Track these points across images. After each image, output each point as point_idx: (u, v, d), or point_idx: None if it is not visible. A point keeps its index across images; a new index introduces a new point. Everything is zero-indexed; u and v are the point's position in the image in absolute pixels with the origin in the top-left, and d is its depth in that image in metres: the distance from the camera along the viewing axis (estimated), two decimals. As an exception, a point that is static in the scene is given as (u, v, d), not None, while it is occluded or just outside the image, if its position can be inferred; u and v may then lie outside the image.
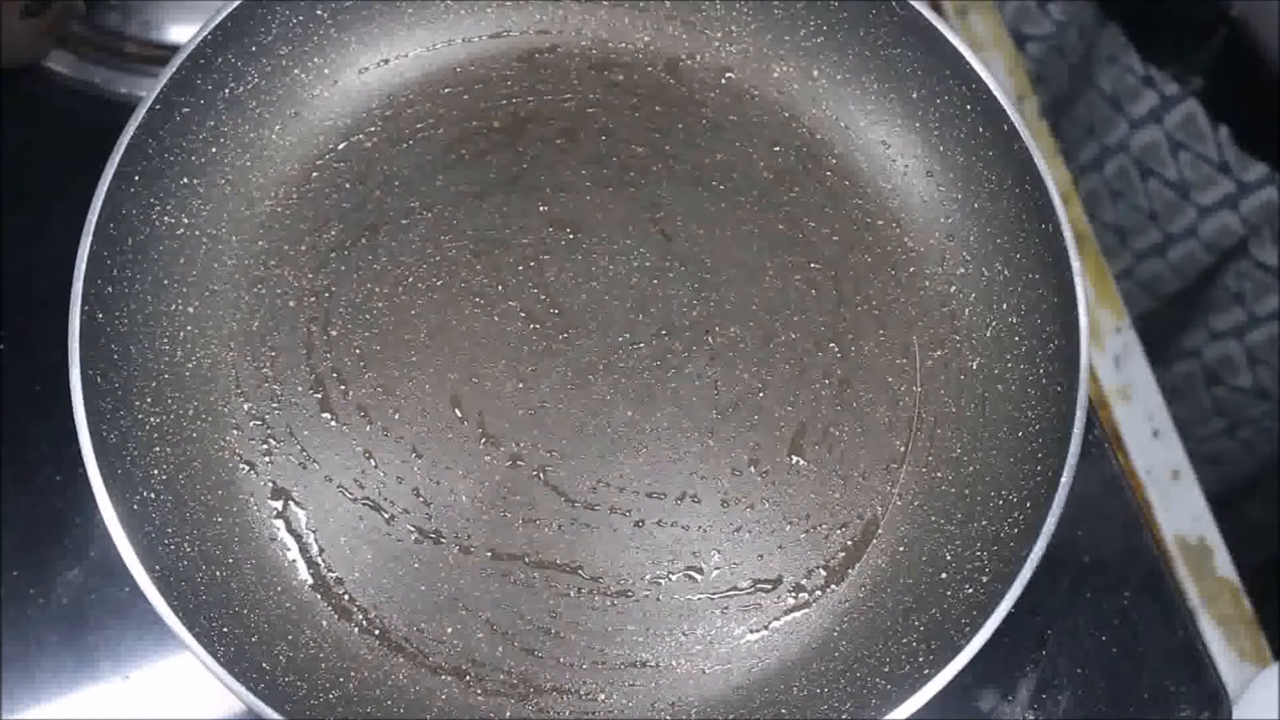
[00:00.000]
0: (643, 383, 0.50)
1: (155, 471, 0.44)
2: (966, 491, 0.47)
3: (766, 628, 0.46)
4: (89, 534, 0.50)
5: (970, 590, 0.44)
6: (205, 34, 0.47)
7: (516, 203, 0.52)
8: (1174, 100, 0.75)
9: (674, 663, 0.46)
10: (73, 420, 0.42)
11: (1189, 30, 0.74)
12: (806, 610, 0.47)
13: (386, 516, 0.47)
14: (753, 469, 0.49)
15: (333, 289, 0.50)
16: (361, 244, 0.51)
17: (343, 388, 0.49)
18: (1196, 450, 0.61)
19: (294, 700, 0.41)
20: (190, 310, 0.49)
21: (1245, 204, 0.74)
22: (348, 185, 0.52)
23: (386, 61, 0.53)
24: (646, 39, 0.54)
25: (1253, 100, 0.72)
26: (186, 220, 0.49)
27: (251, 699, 0.39)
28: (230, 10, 0.47)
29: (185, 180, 0.49)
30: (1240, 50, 0.71)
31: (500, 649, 0.46)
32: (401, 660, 0.45)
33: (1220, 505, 0.59)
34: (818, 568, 0.47)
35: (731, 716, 0.44)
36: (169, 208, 0.48)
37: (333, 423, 0.48)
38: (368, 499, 0.47)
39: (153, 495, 0.44)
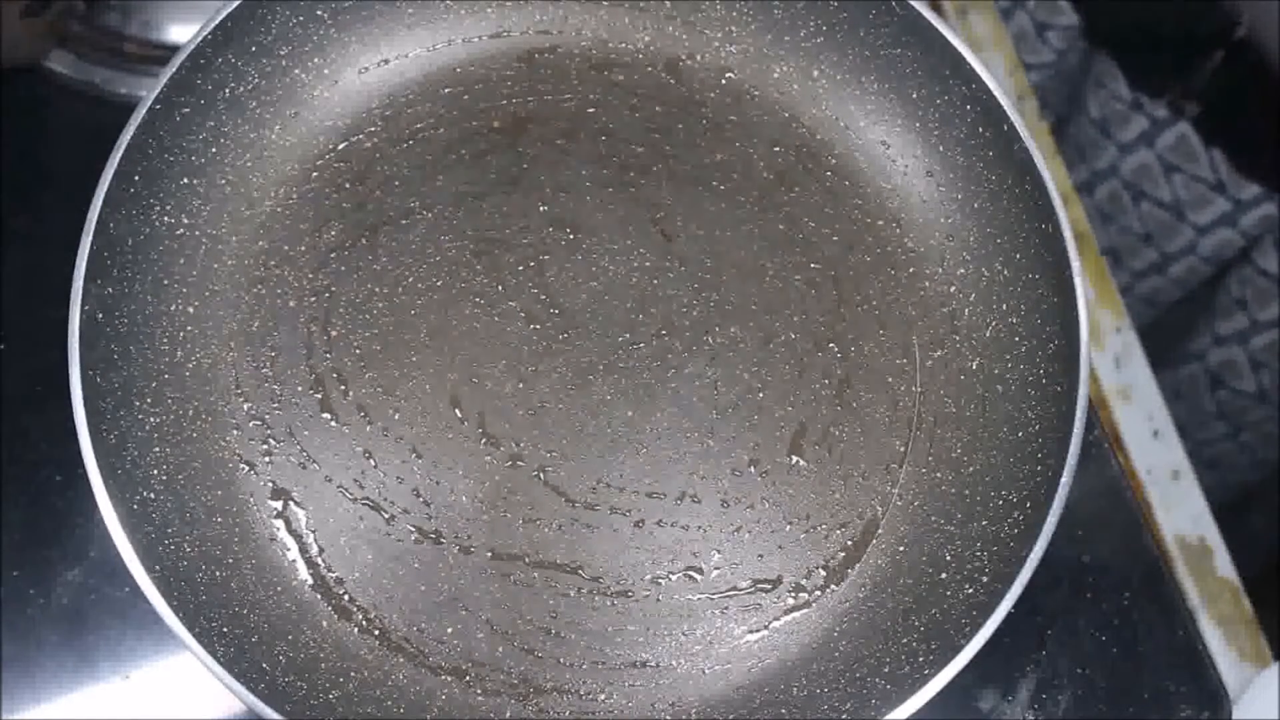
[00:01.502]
0: (643, 383, 0.50)
1: (155, 471, 0.44)
2: (966, 491, 0.47)
3: (766, 628, 0.46)
4: (89, 534, 0.50)
5: (970, 590, 0.44)
6: (205, 34, 0.47)
7: (516, 203, 0.52)
8: (1164, 124, 0.75)
9: (674, 663, 0.46)
10: (73, 420, 0.42)
11: (1183, 56, 0.74)
12: (806, 610, 0.47)
13: (386, 516, 0.47)
14: (753, 469, 0.49)
15: (333, 289, 0.50)
16: (361, 244, 0.51)
17: (343, 388, 0.49)
18: (1198, 454, 0.61)
19: (294, 700, 0.41)
20: (190, 310, 0.49)
21: (1244, 220, 0.74)
22: (348, 185, 0.52)
23: (386, 61, 0.53)
24: (646, 39, 0.54)
25: (1251, 123, 0.72)
26: (186, 220, 0.49)
27: (251, 699, 0.39)
28: (230, 10, 0.48)
29: (185, 180, 0.49)
30: (1238, 73, 0.71)
31: (500, 649, 0.46)
32: (401, 660, 0.45)
33: (1222, 507, 0.59)
34: (818, 568, 0.47)
35: (731, 716, 0.44)
36: (169, 208, 0.48)
37: (333, 423, 0.48)
38: (368, 499, 0.47)
39: (153, 495, 0.44)
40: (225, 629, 0.42)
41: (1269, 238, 0.75)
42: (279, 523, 0.47)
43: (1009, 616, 0.41)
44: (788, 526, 0.48)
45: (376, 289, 0.50)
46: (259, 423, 0.48)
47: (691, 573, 0.47)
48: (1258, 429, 0.82)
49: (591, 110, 0.53)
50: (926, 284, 0.51)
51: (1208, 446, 0.84)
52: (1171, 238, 0.79)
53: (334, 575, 0.46)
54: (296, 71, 0.51)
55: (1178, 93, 0.74)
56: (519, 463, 0.48)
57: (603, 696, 0.45)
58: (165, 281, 0.48)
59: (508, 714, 0.44)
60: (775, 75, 0.54)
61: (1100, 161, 0.81)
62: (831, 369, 0.50)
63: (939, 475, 0.48)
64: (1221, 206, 0.75)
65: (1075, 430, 0.43)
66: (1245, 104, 0.73)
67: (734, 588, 0.47)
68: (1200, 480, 0.58)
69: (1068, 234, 0.46)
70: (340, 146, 0.52)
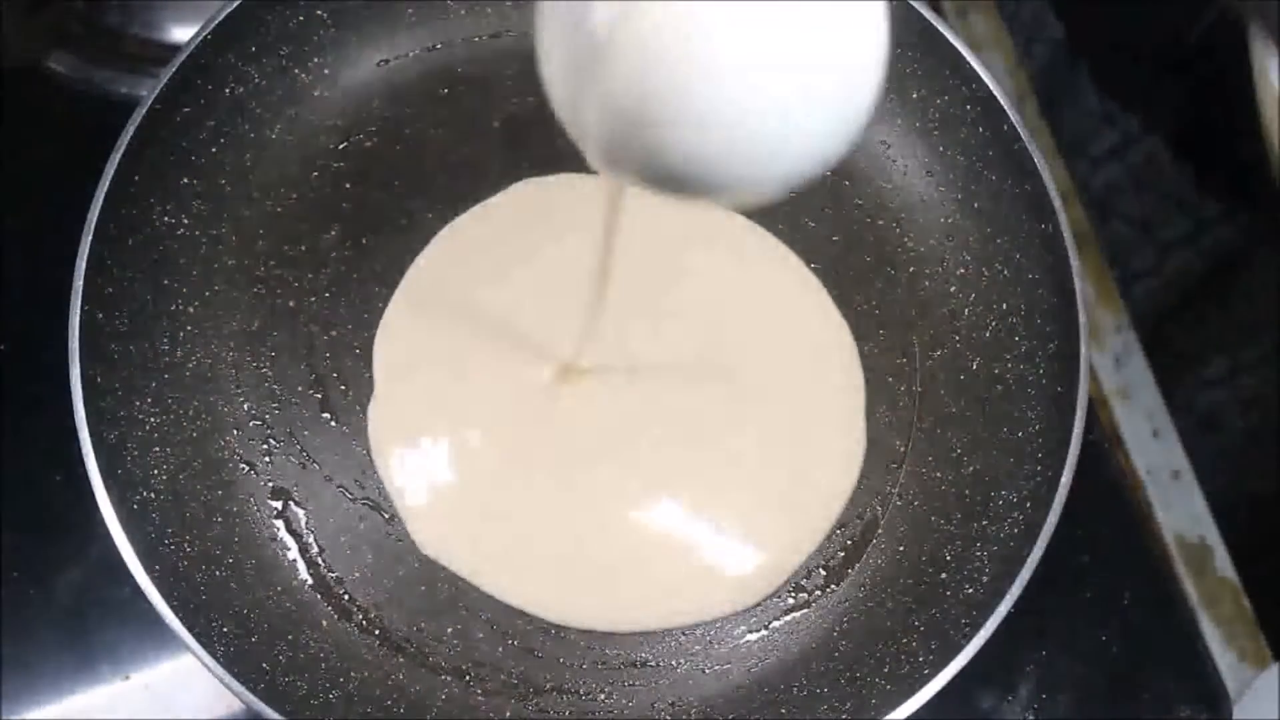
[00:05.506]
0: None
1: (155, 471, 0.44)
2: (966, 491, 0.47)
3: (766, 628, 0.46)
4: (89, 534, 0.50)
5: (970, 590, 0.44)
6: (205, 34, 0.47)
7: (516, 203, 0.52)
8: (1134, 139, 0.75)
9: (674, 663, 0.46)
10: (73, 420, 0.42)
11: (1159, 69, 0.74)
12: (806, 610, 0.47)
13: (386, 516, 0.47)
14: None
15: (333, 289, 0.50)
16: (362, 244, 0.51)
17: (343, 388, 0.49)
18: (1199, 449, 0.61)
19: (294, 700, 0.41)
20: (190, 310, 0.48)
21: (1204, 239, 0.74)
22: (348, 185, 0.52)
23: (386, 61, 0.53)
24: (646, 39, 0.54)
25: (1221, 141, 0.72)
26: (186, 220, 0.49)
27: (251, 699, 0.39)
28: (230, 10, 0.47)
29: (185, 180, 0.49)
30: (1212, 89, 0.70)
31: (500, 649, 0.46)
32: (401, 660, 0.45)
33: (1221, 505, 0.59)
34: (818, 568, 0.47)
35: (731, 716, 0.44)
36: (169, 208, 0.48)
37: (333, 423, 0.48)
38: (368, 499, 0.47)
39: (153, 495, 0.44)
40: (225, 629, 0.42)
41: (1239, 285, 0.74)
42: (279, 523, 0.47)
43: (1009, 616, 0.41)
44: (788, 526, 0.48)
45: (376, 289, 0.50)
46: (259, 423, 0.48)
47: (691, 573, 0.47)
48: (1254, 432, 0.81)
49: (591, 110, 0.53)
50: (926, 284, 0.51)
51: (1208, 446, 0.84)
52: (1136, 255, 0.78)
53: (334, 575, 0.46)
54: (296, 71, 0.51)
55: (1150, 107, 0.73)
56: (519, 463, 0.48)
57: (603, 696, 0.45)
58: (165, 281, 0.48)
59: (508, 714, 0.44)
60: (775, 75, 0.54)
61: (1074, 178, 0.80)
62: (831, 369, 0.50)
63: (939, 475, 0.48)
64: (1185, 226, 0.75)
65: (1075, 430, 0.43)
66: (1216, 121, 0.72)
67: (734, 588, 0.47)
68: (1200, 480, 0.58)
69: (1067, 234, 0.46)
70: (340, 146, 0.52)
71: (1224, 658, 0.53)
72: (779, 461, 0.48)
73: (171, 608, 0.40)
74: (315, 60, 0.52)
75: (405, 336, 0.49)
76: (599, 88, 0.28)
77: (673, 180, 0.29)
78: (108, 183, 0.44)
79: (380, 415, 0.48)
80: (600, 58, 0.27)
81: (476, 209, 0.51)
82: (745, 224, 0.51)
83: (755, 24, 0.26)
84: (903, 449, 0.49)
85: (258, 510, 0.47)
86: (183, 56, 0.47)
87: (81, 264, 0.43)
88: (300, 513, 0.47)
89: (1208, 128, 0.72)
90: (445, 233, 0.51)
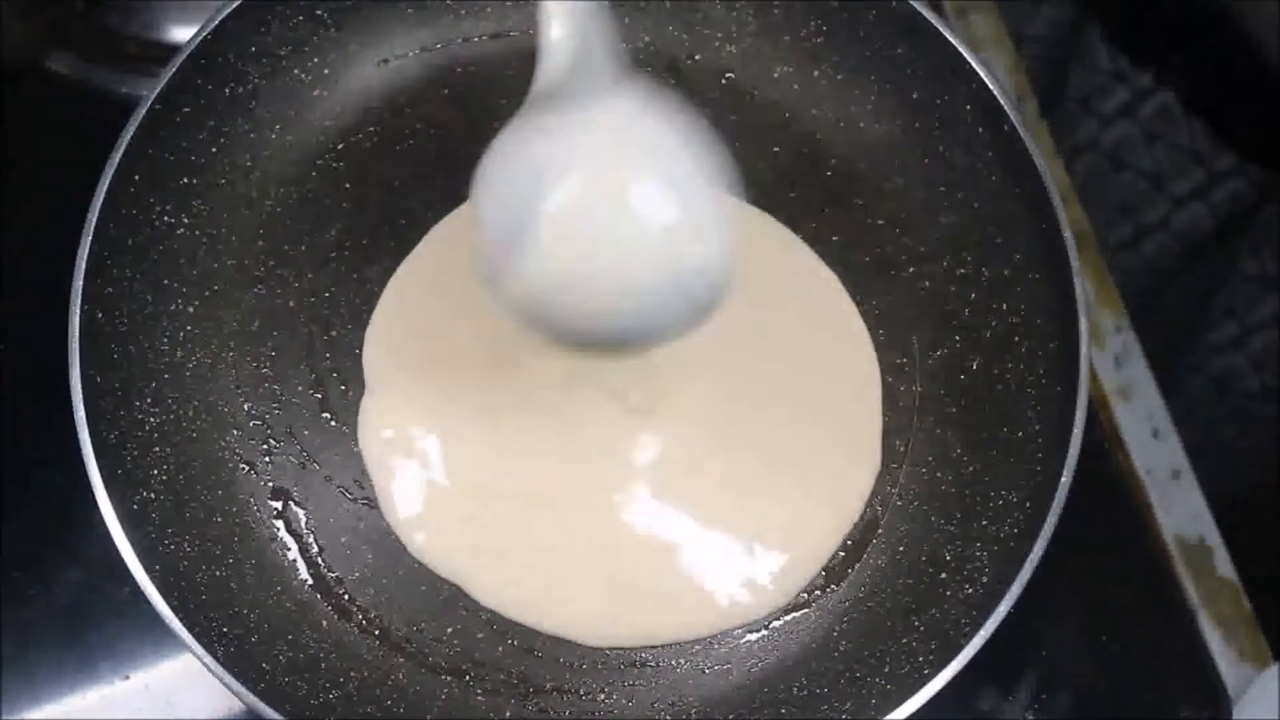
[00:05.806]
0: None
1: (155, 471, 0.44)
2: (966, 491, 0.47)
3: (766, 628, 0.46)
4: (89, 534, 0.50)
5: (970, 590, 0.44)
6: (205, 34, 0.47)
7: (516, 203, 0.52)
8: (1147, 93, 0.74)
9: (674, 663, 0.46)
10: (73, 420, 0.42)
11: (1173, 23, 0.73)
12: (806, 610, 0.47)
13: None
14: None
15: (333, 289, 0.50)
16: (362, 244, 0.51)
17: (343, 388, 0.49)
18: (1198, 453, 0.61)
19: (294, 700, 0.41)
20: (190, 310, 0.48)
21: (1216, 194, 0.74)
22: (348, 185, 0.52)
23: (386, 61, 0.53)
24: (646, 39, 0.54)
25: (1235, 90, 0.72)
26: (186, 220, 0.49)
27: (251, 699, 0.39)
28: (230, 10, 0.47)
29: (185, 180, 0.49)
30: (1227, 40, 0.70)
31: (500, 649, 0.46)
32: (401, 660, 0.45)
33: (1221, 507, 0.59)
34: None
35: (731, 716, 0.44)
36: (169, 208, 0.48)
37: (333, 423, 0.48)
38: (367, 499, 0.47)
39: (153, 495, 0.44)
40: (225, 629, 0.42)
41: (1246, 244, 0.74)
42: (279, 523, 0.47)
43: (1009, 616, 0.41)
44: (788, 526, 0.48)
45: (376, 289, 0.50)
46: (259, 423, 0.48)
47: (691, 573, 0.47)
48: (1260, 428, 0.81)
49: (591, 110, 0.53)
50: (926, 284, 0.51)
51: (1208, 446, 0.84)
52: (1147, 209, 0.78)
53: (334, 575, 0.46)
54: (296, 71, 0.51)
55: (1164, 60, 0.73)
56: (519, 463, 0.48)
57: (602, 696, 0.45)
58: (165, 281, 0.48)
59: (508, 714, 0.44)
60: (775, 75, 0.54)
61: (1080, 136, 0.80)
62: (831, 369, 0.50)
63: (939, 475, 0.48)
64: (1197, 178, 0.74)
65: (1075, 430, 0.43)
66: (1231, 72, 0.72)
67: (734, 588, 0.47)
68: (1200, 476, 0.58)
69: (1068, 234, 0.46)
70: (340, 146, 0.52)
71: (1224, 658, 0.53)
72: (790, 468, 0.48)
73: (171, 608, 0.40)
74: (315, 60, 0.52)
75: (397, 337, 0.49)
76: (531, 268, 0.35)
77: (596, 340, 0.37)
78: (108, 183, 0.44)
79: (371, 420, 0.47)
80: (533, 242, 0.34)
81: (465, 207, 0.51)
82: (760, 218, 0.51)
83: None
84: (903, 449, 0.49)
85: (258, 510, 0.47)
86: (183, 56, 0.47)
87: (81, 264, 0.44)
88: (300, 513, 0.47)
89: (1221, 82, 0.72)
90: (439, 230, 0.50)
